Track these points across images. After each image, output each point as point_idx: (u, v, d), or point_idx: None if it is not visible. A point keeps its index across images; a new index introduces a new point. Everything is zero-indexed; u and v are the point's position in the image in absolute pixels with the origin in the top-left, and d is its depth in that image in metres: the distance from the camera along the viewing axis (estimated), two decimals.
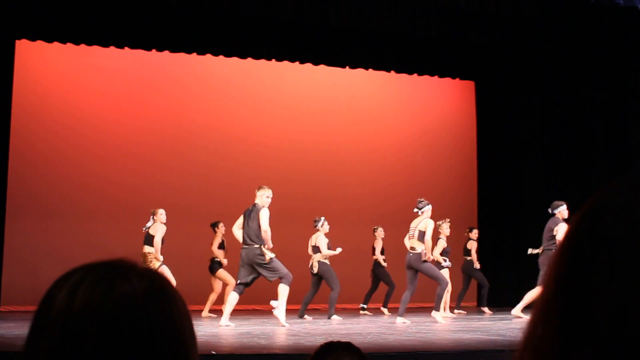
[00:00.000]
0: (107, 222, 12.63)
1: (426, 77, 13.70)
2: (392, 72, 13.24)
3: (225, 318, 9.20)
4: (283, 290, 9.11)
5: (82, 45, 11.54)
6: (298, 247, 11.91)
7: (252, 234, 9.20)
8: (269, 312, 11.33)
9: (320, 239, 11.04)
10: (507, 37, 12.05)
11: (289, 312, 11.21)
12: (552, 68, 13.14)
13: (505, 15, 11.56)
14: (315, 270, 10.88)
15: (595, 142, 13.15)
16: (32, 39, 11.26)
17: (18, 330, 8.24)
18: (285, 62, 12.71)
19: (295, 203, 13.66)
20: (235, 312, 11.51)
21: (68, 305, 0.83)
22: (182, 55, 12.29)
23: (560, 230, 9.95)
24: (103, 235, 12.30)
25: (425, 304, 12.80)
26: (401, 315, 9.89)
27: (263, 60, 12.51)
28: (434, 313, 10.03)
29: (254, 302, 12.74)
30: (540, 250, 10.22)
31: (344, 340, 2.08)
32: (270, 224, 11.06)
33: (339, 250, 10.85)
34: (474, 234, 12.56)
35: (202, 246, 13.05)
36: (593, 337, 0.70)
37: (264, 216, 9.18)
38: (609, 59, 12.72)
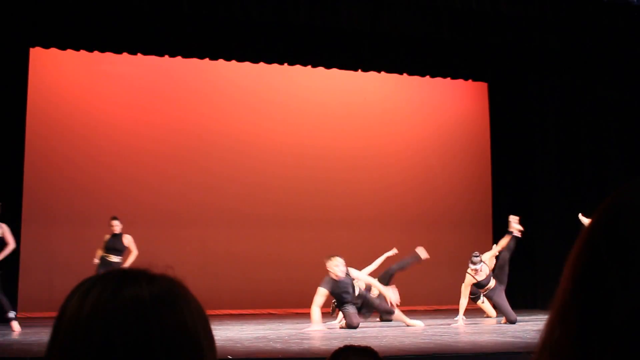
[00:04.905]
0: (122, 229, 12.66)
1: (439, 79, 13.67)
2: (405, 74, 13.22)
3: None
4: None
5: (96, 52, 11.61)
6: (311, 252, 11.91)
7: None
8: (283, 316, 11.34)
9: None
10: (520, 38, 12.01)
11: (300, 315, 11.21)
12: (566, 68, 13.09)
13: (517, 15, 11.53)
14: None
15: (610, 142, 13.07)
16: (46, 46, 11.34)
17: (35, 336, 8.28)
18: (297, 66, 12.72)
19: (309, 208, 13.68)
20: (251, 317, 11.54)
21: (78, 311, 0.84)
22: (195, 60, 12.33)
23: None
24: None
25: (441, 306, 12.77)
26: None
27: (275, 65, 12.52)
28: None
29: (270, 307, 12.76)
30: None
31: (360, 344, 2.07)
32: (285, 229, 11.03)
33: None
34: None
35: (215, 250, 13.08)
36: (611, 338, 0.70)
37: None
38: (623, 58, 12.65)
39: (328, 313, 10.00)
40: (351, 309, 9.46)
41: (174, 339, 0.83)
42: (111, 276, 0.88)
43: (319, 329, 9.12)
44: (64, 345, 0.83)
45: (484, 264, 9.99)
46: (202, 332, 0.87)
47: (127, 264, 10.03)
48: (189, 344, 0.84)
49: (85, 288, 0.86)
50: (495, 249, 10.64)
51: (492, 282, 10.10)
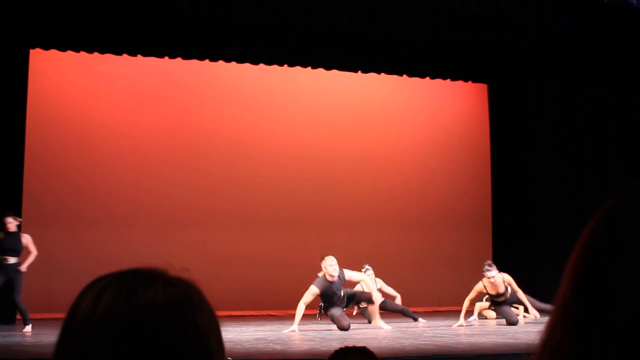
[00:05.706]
0: (120, 232, 12.68)
1: (439, 80, 13.67)
2: (405, 75, 13.22)
3: None
4: None
5: (95, 54, 11.61)
6: (310, 254, 11.89)
7: None
8: (283, 317, 11.33)
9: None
10: (520, 39, 12.01)
11: (304, 317, 11.21)
12: (566, 69, 13.09)
13: (517, 17, 11.53)
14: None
15: (610, 143, 13.07)
16: (46, 48, 11.34)
17: (34, 338, 8.28)
18: (297, 68, 12.73)
19: (309, 210, 13.68)
20: (252, 318, 11.54)
21: (92, 311, 0.84)
22: (195, 62, 12.33)
23: None
24: (116, 245, 12.35)
25: (440, 308, 12.77)
26: None
27: (275, 66, 12.52)
28: None
29: (270, 308, 12.76)
30: None
31: (359, 345, 2.07)
32: (285, 231, 10.93)
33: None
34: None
35: (215, 251, 13.08)
36: (611, 341, 0.70)
37: None
38: (623, 59, 12.66)
39: (313, 316, 9.92)
40: (337, 312, 9.42)
41: (185, 345, 0.84)
42: (127, 277, 0.87)
43: (295, 330, 9.04)
44: (74, 345, 0.83)
45: (501, 274, 9.88)
46: (213, 338, 0.87)
47: (26, 264, 9.32)
48: (199, 350, 0.85)
49: (100, 288, 0.86)
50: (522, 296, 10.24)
51: (509, 292, 10.00)
